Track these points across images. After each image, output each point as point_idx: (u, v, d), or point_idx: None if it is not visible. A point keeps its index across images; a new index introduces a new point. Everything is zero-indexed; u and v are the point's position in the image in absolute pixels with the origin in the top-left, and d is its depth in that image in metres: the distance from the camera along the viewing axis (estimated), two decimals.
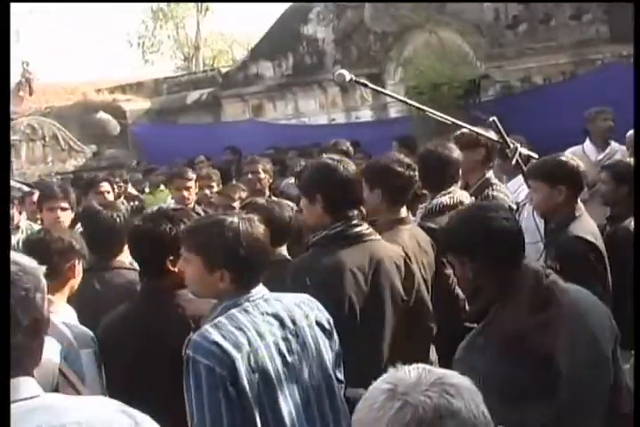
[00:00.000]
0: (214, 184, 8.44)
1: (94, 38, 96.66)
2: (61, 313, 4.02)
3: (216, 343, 3.09)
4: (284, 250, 4.91)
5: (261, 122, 18.48)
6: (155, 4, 48.26)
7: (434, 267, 4.79)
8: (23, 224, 6.79)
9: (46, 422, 2.01)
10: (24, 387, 2.12)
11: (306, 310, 3.39)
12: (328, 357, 3.40)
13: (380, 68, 16.82)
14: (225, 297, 3.29)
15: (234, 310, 3.23)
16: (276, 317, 3.28)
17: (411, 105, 5.86)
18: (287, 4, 19.02)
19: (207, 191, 8.29)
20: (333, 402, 3.39)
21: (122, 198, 10.21)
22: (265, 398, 3.14)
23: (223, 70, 22.31)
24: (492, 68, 14.83)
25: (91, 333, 3.89)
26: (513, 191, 6.47)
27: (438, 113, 5.86)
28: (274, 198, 6.33)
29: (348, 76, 5.41)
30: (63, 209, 6.50)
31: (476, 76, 14.92)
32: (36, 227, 6.53)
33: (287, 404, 3.20)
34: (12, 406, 2.04)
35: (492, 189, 5.95)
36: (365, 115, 17.24)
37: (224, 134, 16.81)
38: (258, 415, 3.12)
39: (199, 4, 45.78)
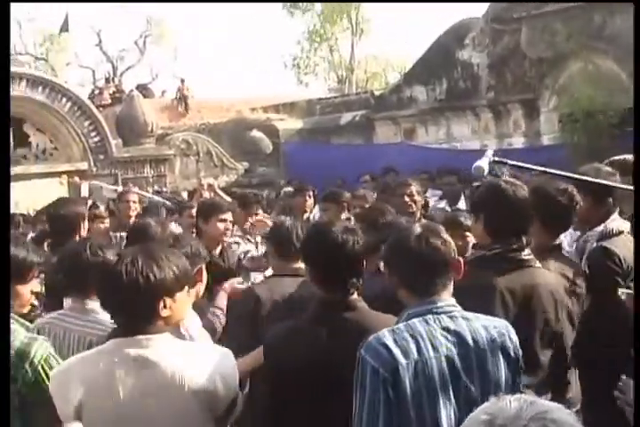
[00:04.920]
0: (367, 206, 8.44)
1: (249, 57, 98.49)
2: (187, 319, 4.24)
3: (386, 346, 3.15)
4: None
5: (413, 145, 18.49)
6: (310, 26, 48.93)
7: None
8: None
9: None
10: None
11: (494, 334, 3.35)
12: (504, 384, 3.34)
13: (535, 95, 16.70)
14: (410, 305, 3.37)
15: (414, 319, 3.28)
16: (457, 334, 3.27)
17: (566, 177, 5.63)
18: (443, 29, 19.09)
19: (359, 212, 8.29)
20: None
21: None
22: (427, 408, 3.17)
23: (376, 93, 22.49)
24: None
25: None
26: None
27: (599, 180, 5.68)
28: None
29: (486, 169, 5.37)
30: (230, 222, 6.72)
31: (632, 105, 14.61)
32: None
33: (449, 419, 3.21)
34: None
35: None
36: (518, 142, 17.11)
37: (375, 156, 16.85)
38: (415, 423, 3.15)
39: (355, 26, 46.21)
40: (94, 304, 4.38)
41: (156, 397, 3.08)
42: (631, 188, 5.14)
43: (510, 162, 5.56)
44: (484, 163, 5.24)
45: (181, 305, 3.29)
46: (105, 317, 4.31)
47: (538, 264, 4.27)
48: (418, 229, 3.44)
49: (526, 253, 4.23)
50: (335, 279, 3.79)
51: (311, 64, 50.57)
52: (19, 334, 3.62)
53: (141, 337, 3.12)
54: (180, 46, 58.71)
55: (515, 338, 3.40)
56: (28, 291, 3.84)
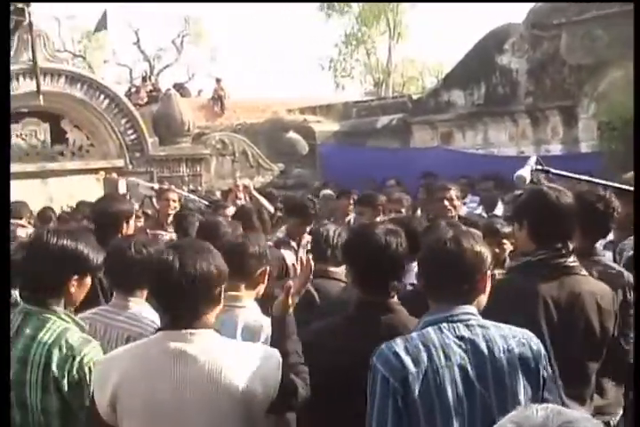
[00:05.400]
0: (403, 210, 8.41)
1: (285, 58, 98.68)
2: (249, 307, 4.39)
3: (396, 354, 3.13)
4: None
5: (449, 150, 18.40)
6: (348, 29, 48.91)
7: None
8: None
9: None
10: None
11: (511, 343, 3.29)
12: (521, 397, 3.27)
13: (574, 102, 16.60)
14: (427, 312, 3.33)
15: (429, 328, 3.24)
16: (472, 343, 3.23)
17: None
18: (480, 34, 19.02)
19: (394, 215, 8.21)
20: None
21: None
22: (439, 417, 3.12)
23: (414, 97, 22.43)
24: None
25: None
26: None
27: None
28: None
29: (528, 178, 5.32)
30: None
31: None
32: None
33: None
34: None
35: None
36: (556, 148, 16.99)
37: (411, 160, 16.83)
38: None
39: (392, 30, 46.15)
40: (137, 301, 4.46)
41: (191, 391, 3.08)
42: (631, 188, 5.14)
43: (553, 170, 5.51)
44: (525, 172, 5.21)
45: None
46: (147, 314, 4.38)
47: (583, 272, 4.23)
48: (449, 233, 3.41)
49: (572, 260, 4.21)
50: (376, 281, 3.78)
51: (347, 67, 50.54)
52: (73, 332, 3.60)
53: (185, 331, 3.13)
54: (217, 46, 58.81)
55: (537, 348, 3.34)
56: (86, 287, 3.81)
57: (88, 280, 3.80)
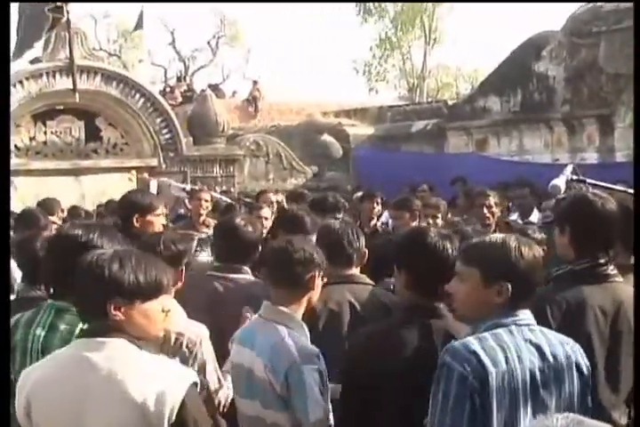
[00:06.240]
0: (440, 215, 8.31)
1: (320, 61, 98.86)
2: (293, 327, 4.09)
3: (475, 353, 3.09)
4: None
5: (484, 156, 18.31)
6: (382, 33, 48.94)
7: None
8: None
9: None
10: None
11: (568, 350, 3.31)
12: (577, 402, 3.29)
13: (611, 111, 16.46)
14: (493, 316, 3.27)
15: (499, 329, 3.22)
16: (538, 348, 3.22)
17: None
18: (520, 41, 18.92)
19: (430, 221, 8.12)
20: None
21: None
22: (508, 421, 3.10)
23: (449, 102, 22.36)
24: None
25: (317, 350, 3.93)
26: None
27: None
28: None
29: (563, 188, 5.25)
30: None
31: None
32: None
33: None
34: None
35: None
36: (591, 157, 16.85)
37: (445, 165, 16.75)
38: None
39: (428, 35, 46.15)
40: (165, 298, 4.42)
41: (91, 399, 2.99)
42: (631, 191, 5.11)
43: (589, 180, 5.44)
44: (561, 182, 5.17)
45: (147, 315, 3.17)
46: (176, 311, 4.34)
47: (620, 278, 4.18)
48: (518, 241, 3.36)
49: (612, 269, 4.16)
50: (429, 285, 3.73)
51: (382, 71, 50.56)
52: None
53: (97, 340, 3.05)
54: (252, 48, 58.97)
55: (583, 354, 3.35)
56: None
57: None
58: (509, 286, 3.23)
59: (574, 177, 5.34)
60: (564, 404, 3.23)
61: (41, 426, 3.09)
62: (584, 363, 3.34)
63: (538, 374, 3.18)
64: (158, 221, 6.04)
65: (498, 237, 3.41)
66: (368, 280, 4.98)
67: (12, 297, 5.29)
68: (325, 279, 4.28)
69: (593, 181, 5.52)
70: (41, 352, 3.61)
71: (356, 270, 5.00)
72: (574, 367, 3.29)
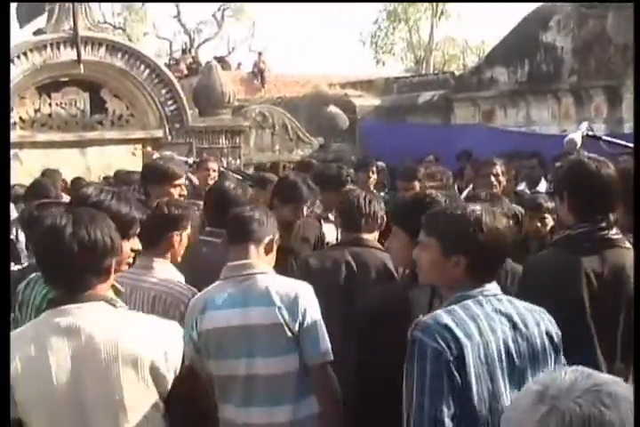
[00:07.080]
0: (440, 184, 8.23)
1: (326, 33, 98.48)
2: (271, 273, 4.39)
3: (447, 327, 2.97)
4: None
5: (491, 127, 18.23)
6: (389, 5, 48.70)
7: None
8: None
9: None
10: None
11: (537, 318, 3.22)
12: (552, 368, 3.19)
13: (619, 82, 16.36)
14: (459, 288, 3.20)
15: (468, 301, 3.12)
16: (508, 317, 3.14)
17: None
18: (523, 14, 18.78)
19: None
20: None
21: None
22: (486, 393, 3.01)
23: (456, 73, 22.27)
24: None
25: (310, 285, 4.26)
26: None
27: None
28: None
29: (579, 142, 5.18)
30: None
31: None
32: None
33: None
34: None
35: None
36: (599, 128, 16.71)
37: (451, 136, 16.70)
38: (477, 408, 2.98)
39: (435, 8, 45.90)
40: (162, 262, 4.55)
41: (87, 367, 2.95)
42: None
43: (605, 137, 5.41)
44: (577, 136, 5.13)
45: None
46: (172, 275, 4.50)
47: (627, 244, 4.12)
48: (481, 212, 3.26)
49: (614, 233, 4.09)
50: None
51: (389, 43, 50.35)
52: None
53: (72, 306, 2.99)
54: (257, 20, 58.77)
55: (554, 322, 3.28)
56: (129, 248, 3.75)
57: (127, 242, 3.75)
58: (466, 258, 3.15)
59: (589, 133, 5.31)
60: (539, 372, 3.11)
61: (34, 408, 3.00)
62: (553, 330, 3.25)
63: (511, 344, 3.10)
64: (176, 191, 6.14)
65: (460, 207, 3.31)
66: (377, 245, 5.11)
67: (25, 264, 5.51)
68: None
69: (608, 138, 5.50)
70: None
71: (368, 235, 5.13)
72: (545, 335, 3.20)
